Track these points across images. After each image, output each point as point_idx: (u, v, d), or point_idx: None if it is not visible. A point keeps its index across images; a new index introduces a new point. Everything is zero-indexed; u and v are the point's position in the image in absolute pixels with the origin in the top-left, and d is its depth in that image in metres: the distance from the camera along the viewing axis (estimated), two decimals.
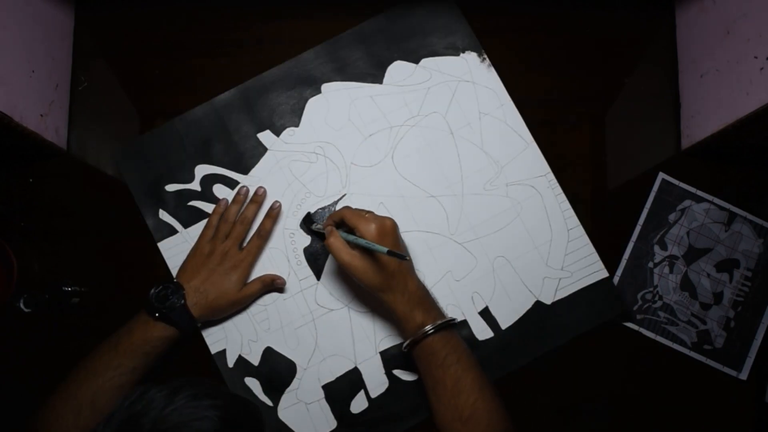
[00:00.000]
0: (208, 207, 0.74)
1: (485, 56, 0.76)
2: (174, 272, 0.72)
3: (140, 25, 0.78)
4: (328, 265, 0.73)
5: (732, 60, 0.66)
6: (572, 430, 0.73)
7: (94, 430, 0.45)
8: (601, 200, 0.76)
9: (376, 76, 0.76)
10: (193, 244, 0.72)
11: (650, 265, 0.75)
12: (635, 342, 0.73)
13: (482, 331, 0.72)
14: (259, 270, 0.73)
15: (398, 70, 0.76)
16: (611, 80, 0.78)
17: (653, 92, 0.78)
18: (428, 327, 0.62)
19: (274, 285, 0.71)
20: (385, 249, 0.59)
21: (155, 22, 0.78)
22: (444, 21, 0.77)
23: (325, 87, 0.76)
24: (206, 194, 0.74)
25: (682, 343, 0.73)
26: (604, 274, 0.73)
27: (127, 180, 0.74)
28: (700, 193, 0.75)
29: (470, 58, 0.76)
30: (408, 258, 0.60)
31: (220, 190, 0.74)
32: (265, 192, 0.73)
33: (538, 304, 0.72)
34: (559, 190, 0.74)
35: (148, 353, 0.64)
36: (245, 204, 0.73)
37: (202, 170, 0.74)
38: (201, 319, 0.68)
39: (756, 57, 0.62)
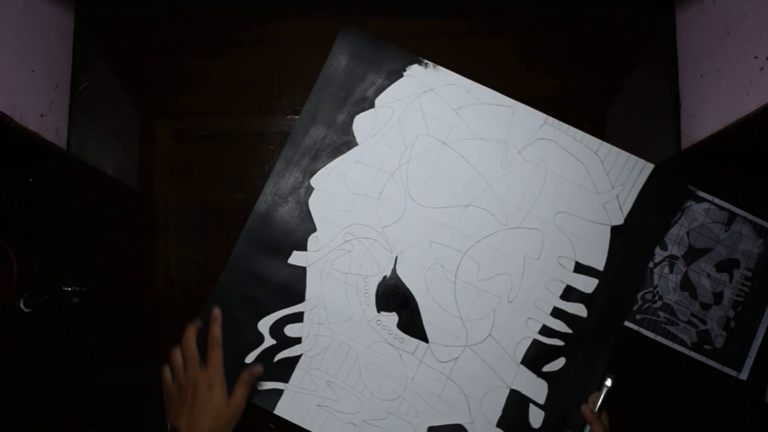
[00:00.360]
0: (293, 352, 0.72)
1: (425, 61, 0.76)
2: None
3: (140, 25, 0.78)
4: (428, 325, 0.73)
5: (732, 60, 0.66)
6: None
7: None
8: None
9: (350, 141, 0.75)
10: (300, 392, 0.71)
11: (650, 265, 0.75)
12: (635, 342, 0.74)
13: (587, 284, 0.73)
14: (369, 377, 0.72)
15: (363, 123, 0.76)
16: (611, 80, 0.78)
17: (653, 92, 0.78)
18: None
19: (253, 377, 0.70)
20: None
21: (155, 22, 0.79)
22: (369, 57, 0.76)
23: (315, 181, 0.75)
24: (283, 342, 0.73)
25: (682, 343, 0.73)
26: (651, 166, 0.74)
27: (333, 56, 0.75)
28: (700, 193, 0.75)
29: (414, 71, 0.76)
30: None
31: (292, 330, 0.73)
32: (216, 313, 0.72)
33: (614, 229, 0.74)
34: (566, 126, 0.75)
35: None
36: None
37: (265, 324, 0.73)
38: None
39: (756, 57, 0.62)
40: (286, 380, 0.72)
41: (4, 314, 0.71)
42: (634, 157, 0.74)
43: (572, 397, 0.72)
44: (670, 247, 0.75)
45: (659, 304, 0.74)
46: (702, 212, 0.75)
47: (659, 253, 0.75)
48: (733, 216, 0.75)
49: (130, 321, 0.74)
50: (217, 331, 0.71)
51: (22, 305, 0.71)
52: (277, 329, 0.73)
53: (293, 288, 0.73)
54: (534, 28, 0.79)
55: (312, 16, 0.79)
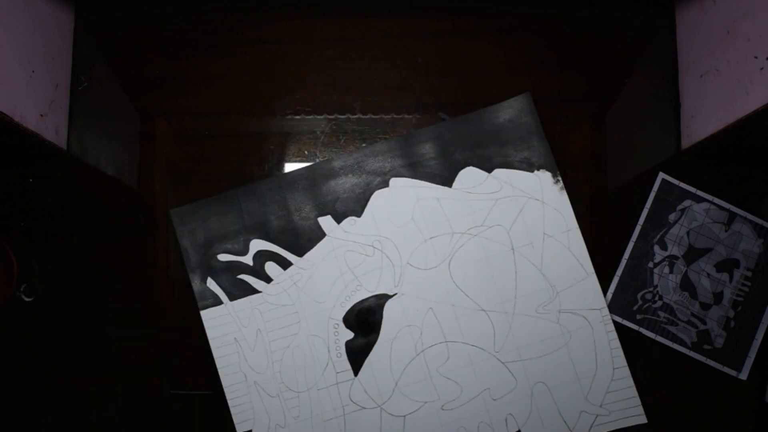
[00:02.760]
0: (258, 283, 0.72)
1: (559, 178, 0.74)
2: (212, 344, 0.71)
3: (140, 25, 0.79)
4: (367, 363, 0.72)
5: (732, 60, 0.66)
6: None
7: None
8: (601, 200, 0.76)
9: (446, 179, 0.74)
10: (236, 318, 0.71)
11: (650, 265, 0.75)
12: (635, 342, 0.74)
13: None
14: (299, 356, 0.72)
15: (469, 176, 0.74)
16: (611, 80, 0.78)
17: (653, 92, 0.78)
18: None
19: None
20: None
21: (155, 22, 0.79)
22: (523, 134, 0.74)
23: (394, 181, 0.74)
24: (257, 270, 0.73)
25: (682, 343, 0.73)
26: (643, 420, 0.71)
27: (181, 242, 0.73)
28: (700, 193, 0.75)
29: (544, 177, 0.74)
30: None
31: (272, 268, 0.73)
32: None
33: None
34: (611, 326, 0.72)
35: None
36: None
37: (257, 245, 0.73)
38: None
39: (756, 57, 0.62)
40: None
41: (3, 314, 0.71)
42: (638, 400, 0.71)
43: None
44: (670, 247, 0.75)
45: (659, 304, 0.74)
46: (702, 212, 0.75)
47: (659, 253, 0.75)
48: (733, 216, 0.75)
49: (130, 321, 0.74)
50: None
51: (22, 295, 0.71)
52: (260, 257, 0.73)
53: (302, 240, 0.73)
54: (534, 27, 0.79)
55: (312, 16, 0.79)
